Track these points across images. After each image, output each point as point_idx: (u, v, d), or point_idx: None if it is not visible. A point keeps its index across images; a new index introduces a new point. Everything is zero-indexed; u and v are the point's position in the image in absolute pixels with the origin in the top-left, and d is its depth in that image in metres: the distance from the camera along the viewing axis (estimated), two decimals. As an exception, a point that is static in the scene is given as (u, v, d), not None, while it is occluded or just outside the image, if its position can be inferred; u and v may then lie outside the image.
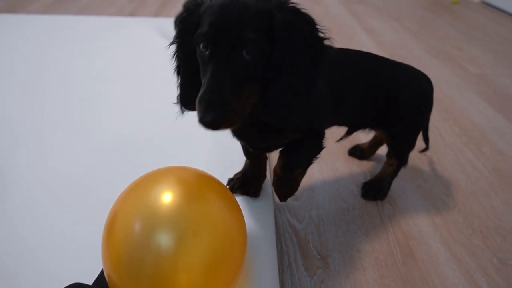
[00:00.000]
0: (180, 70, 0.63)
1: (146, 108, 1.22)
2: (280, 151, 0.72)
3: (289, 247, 0.80)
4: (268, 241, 0.74)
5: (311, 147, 0.70)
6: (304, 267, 0.76)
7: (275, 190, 0.74)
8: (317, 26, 0.56)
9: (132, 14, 2.24)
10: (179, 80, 0.64)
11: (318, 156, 0.71)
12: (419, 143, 0.95)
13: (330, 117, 0.74)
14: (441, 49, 1.92)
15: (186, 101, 0.63)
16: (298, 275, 0.74)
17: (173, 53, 0.62)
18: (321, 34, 0.56)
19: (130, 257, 0.53)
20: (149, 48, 1.69)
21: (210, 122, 0.49)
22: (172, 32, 1.82)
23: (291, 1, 0.56)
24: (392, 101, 0.83)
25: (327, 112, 0.72)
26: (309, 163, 0.72)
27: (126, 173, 0.70)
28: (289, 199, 0.90)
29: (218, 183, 0.62)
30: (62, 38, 1.76)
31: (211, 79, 0.51)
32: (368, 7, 2.61)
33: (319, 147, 0.71)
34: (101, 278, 0.62)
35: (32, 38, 1.75)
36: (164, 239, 0.53)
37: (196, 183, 0.60)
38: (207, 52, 0.53)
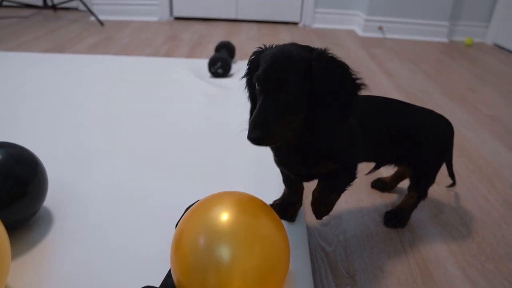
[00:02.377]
0: (250, 98, 0.80)
1: (186, 140, 1.36)
2: (319, 179, 0.84)
3: (321, 266, 0.91)
4: (304, 260, 0.85)
5: (346, 177, 0.83)
6: (334, 284, 0.86)
7: (312, 209, 0.86)
8: (349, 70, 0.70)
9: (166, 55, 2.44)
10: (250, 106, 0.81)
11: (351, 184, 0.84)
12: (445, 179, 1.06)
13: (362, 152, 0.87)
14: (456, 91, 2.05)
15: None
16: (329, 290, 0.85)
17: (244, 85, 0.79)
18: (353, 76, 0.70)
19: (196, 266, 0.65)
20: (184, 85, 1.86)
21: (255, 138, 0.64)
22: (202, 71, 2.01)
23: (328, 52, 0.70)
24: (415, 142, 0.95)
25: (359, 148, 0.85)
26: (342, 190, 0.85)
27: (183, 196, 0.84)
28: (319, 225, 1.02)
29: (267, 206, 0.75)
30: (104, 75, 1.95)
31: (259, 107, 0.67)
32: (386, 51, 2.77)
33: (352, 177, 0.83)
34: (167, 281, 0.74)
35: (78, 75, 1.95)
36: (223, 251, 0.64)
37: (248, 205, 0.72)
38: (260, 89, 0.69)
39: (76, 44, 2.62)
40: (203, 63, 2.14)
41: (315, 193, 0.85)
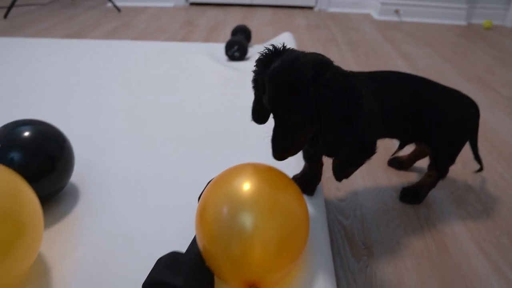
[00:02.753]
0: (255, 94, 0.84)
1: (205, 120, 1.40)
2: None
3: (338, 238, 0.94)
4: (322, 231, 0.88)
5: (364, 152, 0.85)
6: (351, 254, 0.89)
7: (333, 171, 0.89)
8: (345, 94, 0.70)
9: (183, 40, 2.47)
10: (253, 101, 0.86)
11: (370, 158, 0.86)
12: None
13: (380, 131, 0.89)
14: (474, 73, 2.03)
15: (255, 118, 0.87)
16: (346, 260, 0.88)
17: (252, 81, 0.82)
18: (350, 96, 0.71)
19: (219, 234, 0.68)
20: (201, 68, 1.89)
21: (277, 158, 0.75)
22: (219, 55, 2.03)
23: (325, 76, 0.70)
24: (437, 121, 0.96)
25: (376, 129, 0.87)
26: (361, 163, 0.87)
27: (204, 173, 0.87)
28: (337, 201, 1.05)
29: (287, 177, 0.78)
30: (123, 60, 1.99)
31: (275, 129, 0.75)
32: (403, 33, 2.76)
33: (371, 152, 0.85)
34: (191, 248, 0.77)
35: (97, 60, 1.99)
36: (245, 220, 0.67)
37: (269, 175, 0.75)
38: (271, 112, 0.75)
39: (94, 30, 2.66)
40: (220, 47, 2.16)
41: (335, 162, 0.88)
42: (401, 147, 1.04)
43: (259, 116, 0.86)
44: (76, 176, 1.08)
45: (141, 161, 1.17)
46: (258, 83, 0.79)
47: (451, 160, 1.04)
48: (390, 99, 0.88)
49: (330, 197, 1.07)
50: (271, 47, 0.77)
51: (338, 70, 0.72)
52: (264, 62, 0.76)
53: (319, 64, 0.71)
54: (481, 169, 1.17)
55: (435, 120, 0.95)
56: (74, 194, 1.04)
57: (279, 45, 0.78)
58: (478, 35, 2.82)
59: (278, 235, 0.68)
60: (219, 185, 0.75)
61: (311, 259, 0.80)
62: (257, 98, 0.84)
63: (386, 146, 1.28)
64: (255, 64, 0.79)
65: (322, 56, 0.74)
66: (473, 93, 1.76)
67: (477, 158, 1.14)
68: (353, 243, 0.92)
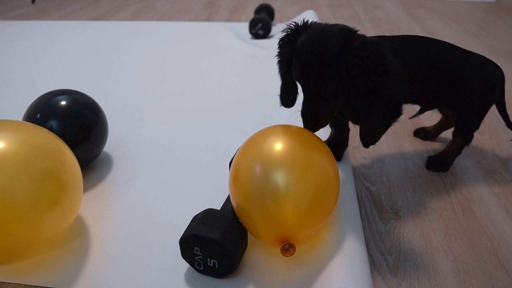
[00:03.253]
0: (280, 75, 0.85)
1: (230, 97, 1.42)
2: None
3: (366, 203, 0.95)
4: (351, 195, 0.90)
5: (391, 113, 0.86)
6: (379, 218, 0.91)
7: (361, 138, 0.91)
8: (374, 62, 0.72)
9: (207, 20, 2.49)
10: (281, 84, 0.87)
11: (397, 119, 0.87)
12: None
13: (406, 94, 0.90)
14: (501, 48, 2.00)
15: (283, 102, 0.88)
16: (374, 223, 0.89)
17: (277, 63, 0.84)
18: (379, 64, 0.73)
19: (253, 192, 0.70)
20: (226, 46, 1.91)
21: (311, 130, 0.79)
22: (243, 33, 2.04)
23: (357, 43, 0.72)
24: (460, 85, 0.96)
25: (403, 91, 0.88)
26: (388, 125, 0.89)
27: (231, 145, 0.90)
28: (363, 168, 1.06)
29: (317, 137, 0.79)
30: (147, 41, 2.02)
31: (305, 104, 0.78)
32: (428, 11, 2.71)
33: (398, 113, 0.87)
34: (225, 206, 0.80)
35: (121, 41, 2.03)
36: (279, 179, 0.69)
37: (300, 135, 0.77)
38: (301, 85, 0.78)
39: (118, 12, 2.70)
40: (244, 26, 2.17)
41: (361, 129, 0.89)
42: (422, 111, 1.05)
43: (288, 100, 0.88)
44: (109, 146, 1.13)
45: (170, 134, 1.21)
46: (284, 61, 0.81)
47: (476, 124, 1.03)
48: (414, 61, 0.89)
49: (357, 165, 1.09)
50: (293, 24, 0.79)
51: (365, 39, 0.74)
52: (290, 39, 0.78)
53: (346, 35, 0.73)
54: None
55: (458, 81, 0.96)
56: (108, 162, 1.08)
57: (300, 22, 0.80)
58: (506, 11, 2.75)
59: (310, 193, 0.70)
60: (251, 146, 0.77)
61: (340, 220, 0.82)
62: (284, 81, 0.85)
63: (412, 118, 1.28)
64: (279, 44, 0.82)
65: (347, 26, 0.76)
66: (501, 67, 1.73)
67: (510, 125, 1.12)
68: (380, 208, 0.94)
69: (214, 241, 0.69)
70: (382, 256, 0.81)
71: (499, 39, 2.15)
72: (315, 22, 0.79)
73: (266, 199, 0.69)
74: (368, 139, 0.91)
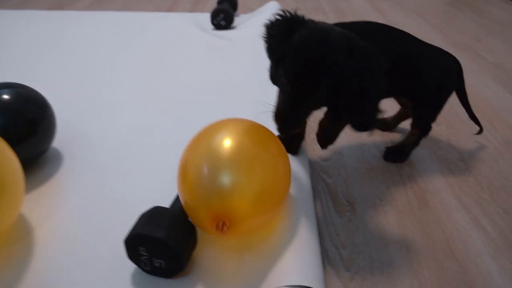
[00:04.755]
0: (269, 56, 0.80)
1: (190, 88, 1.39)
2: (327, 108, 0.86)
3: (322, 195, 0.95)
4: (305, 188, 0.89)
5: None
6: (334, 210, 0.90)
7: (318, 139, 0.88)
8: (377, 71, 0.72)
9: (170, 10, 2.43)
10: (270, 67, 0.82)
11: None
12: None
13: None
14: (460, 40, 2.03)
15: (272, 79, 0.82)
16: (330, 216, 0.89)
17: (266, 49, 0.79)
18: (379, 66, 0.72)
19: (201, 191, 0.68)
20: (187, 37, 1.87)
21: (283, 134, 0.77)
22: (205, 24, 2.00)
23: (358, 51, 0.70)
24: (417, 76, 0.95)
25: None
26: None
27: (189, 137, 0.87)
28: (321, 160, 1.05)
29: (269, 131, 0.77)
30: (107, 32, 1.95)
31: (284, 105, 0.74)
32: (391, 3, 2.73)
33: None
34: (175, 203, 0.78)
35: (79, 32, 1.95)
36: (226, 175, 0.67)
37: (251, 131, 0.75)
38: (288, 86, 0.72)
39: (77, 1, 2.60)
40: (206, 16, 2.12)
41: (322, 123, 0.87)
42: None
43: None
44: (59, 141, 1.08)
45: (125, 129, 1.15)
46: (275, 53, 0.76)
47: (433, 116, 1.04)
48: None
49: (315, 157, 1.08)
50: (287, 14, 0.74)
51: (364, 43, 0.72)
52: (283, 31, 0.73)
53: (349, 39, 0.71)
54: (481, 131, 1.14)
55: (415, 71, 0.95)
56: (57, 159, 1.03)
57: (292, 12, 0.75)
58: (467, 4, 2.81)
59: (255, 189, 0.69)
60: (200, 142, 0.74)
61: (294, 214, 0.80)
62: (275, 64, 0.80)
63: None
64: (267, 31, 0.77)
65: (344, 29, 0.74)
66: (459, 59, 1.76)
67: (472, 117, 1.13)
68: (336, 200, 0.93)
69: (159, 240, 0.66)
70: (336, 249, 0.81)
71: (459, 31, 2.19)
72: (311, 20, 0.75)
73: (212, 196, 0.67)
74: (328, 136, 0.88)
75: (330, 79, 0.69)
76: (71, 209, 0.86)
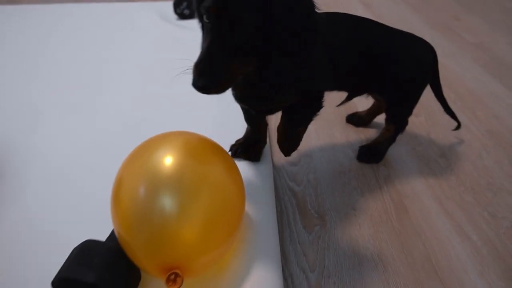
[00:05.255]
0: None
1: (147, 86, 1.26)
2: (282, 112, 0.76)
3: (288, 208, 0.84)
4: (268, 202, 0.78)
5: (311, 108, 0.74)
6: (302, 225, 0.80)
7: (279, 146, 0.78)
8: (313, 8, 0.60)
9: (129, 0, 2.27)
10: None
11: (318, 113, 0.75)
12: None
13: (328, 80, 0.78)
14: (439, 20, 1.93)
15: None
16: (296, 232, 0.78)
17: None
18: (314, 15, 0.60)
19: (137, 219, 0.57)
20: (151, 29, 1.73)
21: (200, 87, 0.57)
22: (169, 14, 1.86)
23: None
24: (388, 68, 0.85)
25: (324, 76, 0.76)
26: (309, 121, 0.77)
27: (131, 142, 0.75)
28: (288, 165, 0.95)
29: (218, 147, 0.66)
30: (65, 26, 1.80)
31: (206, 49, 0.58)
32: (366, -18, 2.61)
33: (318, 107, 0.75)
34: (113, 235, 0.66)
35: (35, 27, 1.79)
36: (167, 201, 0.56)
37: (196, 147, 0.63)
38: (208, 24, 0.58)
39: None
40: (169, 5, 1.98)
41: (279, 128, 0.77)
42: (349, 98, 0.94)
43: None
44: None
45: (71, 138, 1.01)
46: None
47: (408, 110, 0.94)
48: (337, 42, 0.77)
49: (281, 161, 0.97)
50: None
51: None
52: None
53: None
54: (458, 126, 1.03)
55: (386, 64, 0.85)
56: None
57: None
58: (445, -20, 2.70)
59: (204, 213, 0.58)
60: (136, 159, 0.63)
61: (254, 236, 0.70)
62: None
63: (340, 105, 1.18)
64: None
65: None
66: (438, 40, 1.66)
67: (449, 111, 1.03)
68: (304, 212, 0.83)
69: (89, 284, 0.55)
70: (303, 273, 0.71)
71: (437, 10, 2.09)
72: None
73: (150, 226, 0.56)
74: (288, 143, 0.78)
75: (253, 11, 0.56)
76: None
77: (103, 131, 1.03)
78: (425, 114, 1.17)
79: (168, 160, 0.60)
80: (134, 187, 0.59)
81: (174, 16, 1.89)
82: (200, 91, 0.58)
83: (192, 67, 0.58)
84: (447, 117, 1.05)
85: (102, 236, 0.68)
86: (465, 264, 0.73)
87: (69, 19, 1.88)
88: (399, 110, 0.94)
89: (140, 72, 1.36)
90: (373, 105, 1.09)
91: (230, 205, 0.61)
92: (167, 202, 0.56)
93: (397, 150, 1.01)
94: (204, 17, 0.59)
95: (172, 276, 0.55)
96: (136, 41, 1.62)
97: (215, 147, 0.66)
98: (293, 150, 0.79)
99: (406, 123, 0.96)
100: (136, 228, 0.57)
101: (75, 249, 0.60)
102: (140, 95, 1.21)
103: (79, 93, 1.23)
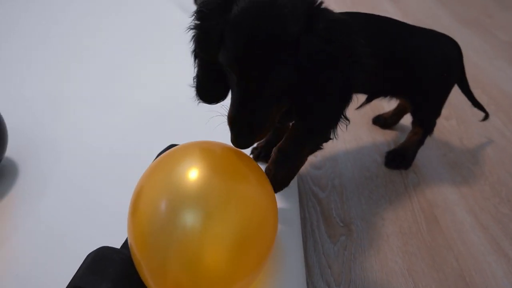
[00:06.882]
0: (197, 58, 0.62)
1: (167, 81, 1.23)
2: (290, 129, 0.69)
3: (312, 215, 0.80)
4: (292, 210, 0.74)
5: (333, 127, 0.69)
6: (327, 235, 0.76)
7: (272, 182, 0.65)
8: (348, 50, 0.53)
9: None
10: (195, 70, 0.64)
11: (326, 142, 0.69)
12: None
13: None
14: (469, 16, 1.85)
15: (202, 95, 0.65)
16: (321, 242, 0.75)
17: (191, 37, 0.60)
18: (354, 54, 0.54)
19: (155, 238, 0.51)
20: (168, 21, 1.69)
21: (242, 145, 0.57)
22: (189, 5, 1.82)
23: (322, 24, 0.51)
24: (412, 68, 0.80)
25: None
26: (317, 147, 0.70)
27: (151, 145, 0.72)
28: (312, 169, 0.91)
29: (246, 156, 0.61)
30: (74, 14, 1.77)
31: (240, 103, 0.54)
32: (393, -25, 2.53)
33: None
34: (127, 243, 0.63)
35: (41, 14, 1.76)
36: (190, 219, 0.50)
37: (223, 157, 0.58)
38: (234, 75, 0.53)
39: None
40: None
41: (279, 148, 0.69)
42: (368, 100, 0.88)
43: (210, 91, 0.64)
44: (14, 151, 0.92)
45: (92, 132, 0.99)
46: (208, 39, 0.56)
47: (436, 111, 0.89)
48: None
49: (305, 164, 0.92)
50: None
51: (334, 15, 0.54)
52: (219, 7, 0.54)
53: (310, 7, 0.52)
54: (486, 117, 0.98)
55: (410, 64, 0.80)
56: (11, 173, 0.88)
57: None
58: (475, -25, 2.60)
59: (234, 235, 0.51)
60: (159, 170, 0.58)
61: (277, 246, 0.66)
62: (203, 65, 0.62)
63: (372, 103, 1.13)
64: (200, 13, 0.57)
65: None
66: (469, 38, 1.59)
67: (476, 104, 0.98)
68: (329, 221, 0.79)
69: (103, 296, 0.52)
70: (327, 287, 0.67)
71: (467, 5, 2.00)
72: None
73: (169, 248, 0.50)
74: (283, 180, 0.71)
75: (284, 61, 0.50)
76: (18, 240, 0.72)
77: (118, 127, 1.01)
78: (456, 117, 1.11)
79: (192, 173, 0.54)
80: (154, 204, 0.53)
81: (193, 7, 1.85)
82: (241, 148, 0.58)
83: (226, 118, 0.57)
84: (480, 121, 0.99)
85: (118, 241, 0.65)
86: (501, 284, 0.68)
87: (86, 7, 1.84)
88: (425, 112, 0.89)
89: (160, 67, 1.33)
90: (398, 105, 1.04)
91: (264, 222, 0.55)
92: (190, 223, 0.50)
93: (427, 157, 0.96)
94: (227, 68, 0.54)
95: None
96: (154, 34, 1.59)
97: (241, 156, 0.61)
98: (286, 186, 0.72)
99: (434, 124, 0.91)
100: (151, 245, 0.51)
101: (89, 255, 0.58)
102: (157, 90, 1.18)
103: (96, 86, 1.20)
